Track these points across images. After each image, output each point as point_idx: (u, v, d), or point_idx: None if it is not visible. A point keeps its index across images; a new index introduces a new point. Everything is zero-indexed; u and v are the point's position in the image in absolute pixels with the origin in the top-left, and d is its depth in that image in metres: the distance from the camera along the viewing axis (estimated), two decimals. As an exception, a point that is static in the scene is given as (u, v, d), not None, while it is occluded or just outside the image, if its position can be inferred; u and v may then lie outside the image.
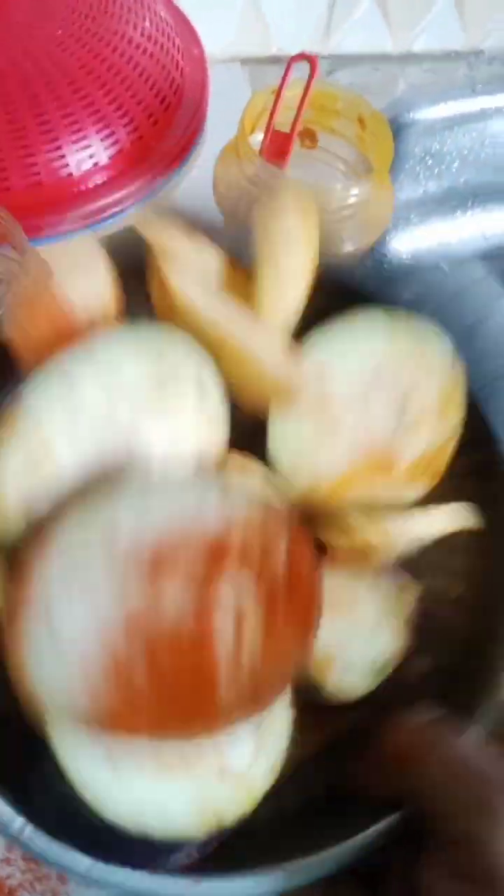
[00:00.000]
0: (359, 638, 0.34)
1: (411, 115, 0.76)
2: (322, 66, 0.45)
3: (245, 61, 0.72)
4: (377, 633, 0.34)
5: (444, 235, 0.86)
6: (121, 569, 0.27)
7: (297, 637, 0.28)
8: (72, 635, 0.27)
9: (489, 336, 0.71)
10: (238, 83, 0.71)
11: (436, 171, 0.82)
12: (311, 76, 0.45)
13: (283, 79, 0.45)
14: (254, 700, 0.28)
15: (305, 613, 0.28)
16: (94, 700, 0.27)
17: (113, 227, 0.49)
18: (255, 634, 0.27)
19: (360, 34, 0.72)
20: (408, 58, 0.76)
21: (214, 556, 0.27)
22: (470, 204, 0.87)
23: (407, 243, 0.84)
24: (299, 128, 0.45)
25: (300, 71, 0.45)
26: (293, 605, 0.28)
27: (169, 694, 0.27)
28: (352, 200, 0.44)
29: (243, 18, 0.69)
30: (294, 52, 0.73)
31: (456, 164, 0.82)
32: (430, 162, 0.80)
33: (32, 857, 0.40)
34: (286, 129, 0.46)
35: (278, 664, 0.28)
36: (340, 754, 0.32)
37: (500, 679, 0.34)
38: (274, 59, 0.73)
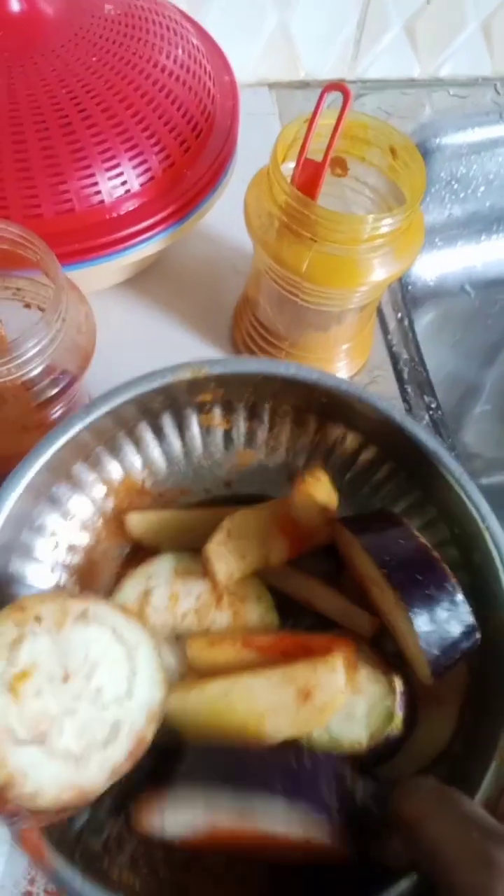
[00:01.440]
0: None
1: (438, 140, 0.76)
2: (332, 100, 0.45)
3: (273, 85, 0.73)
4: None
5: (468, 259, 0.86)
6: None
7: None
8: None
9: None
10: (265, 107, 0.72)
11: (461, 195, 0.82)
12: (343, 106, 0.44)
13: (316, 108, 0.45)
14: None
15: None
16: None
17: (143, 252, 0.49)
18: None
19: (387, 59, 0.73)
20: (434, 83, 0.76)
21: None
22: (495, 228, 0.86)
23: (432, 267, 0.84)
24: (331, 157, 0.45)
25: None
26: None
27: None
28: (384, 230, 0.44)
29: (271, 43, 0.70)
30: (322, 76, 0.74)
31: (482, 189, 0.82)
32: (455, 186, 0.80)
33: (55, 891, 0.40)
34: (317, 158, 0.46)
35: None
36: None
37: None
38: (302, 84, 0.73)
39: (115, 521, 0.42)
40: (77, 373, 0.42)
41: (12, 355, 0.37)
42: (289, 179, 0.45)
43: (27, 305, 0.47)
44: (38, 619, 0.31)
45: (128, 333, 0.58)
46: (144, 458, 0.43)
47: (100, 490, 0.42)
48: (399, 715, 0.36)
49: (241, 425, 0.45)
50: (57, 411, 0.43)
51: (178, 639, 0.38)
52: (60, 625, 0.31)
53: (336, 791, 0.31)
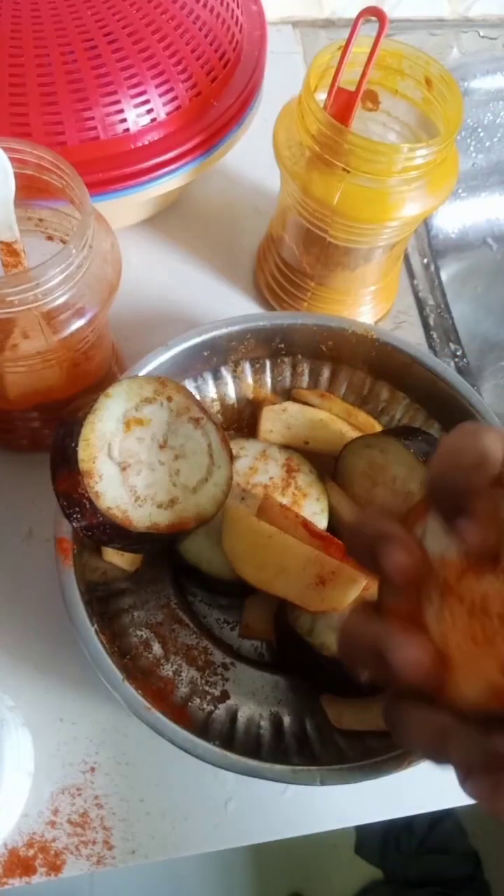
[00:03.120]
0: None
1: (465, 83, 0.74)
2: (368, 29, 0.43)
3: (297, 23, 0.70)
4: None
5: (492, 211, 0.84)
6: None
7: None
8: None
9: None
10: (289, 45, 0.70)
11: (486, 143, 0.80)
12: (379, 32, 0.43)
13: (351, 34, 0.43)
14: None
15: None
16: None
17: (167, 185, 0.48)
18: None
19: (416, -2, 0.70)
20: (464, 23, 0.73)
21: None
22: (520, 179, 0.84)
23: (454, 218, 0.82)
24: (365, 86, 0.43)
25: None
26: None
27: None
28: (419, 162, 0.42)
29: (297, -22, 0.67)
30: (348, 15, 0.72)
31: (508, 137, 0.79)
32: (481, 134, 0.78)
33: (78, 821, 0.40)
34: (350, 88, 0.44)
35: None
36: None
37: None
38: (327, 23, 0.71)
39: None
40: (102, 305, 0.41)
41: (36, 281, 0.36)
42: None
43: (49, 238, 0.45)
44: (169, 398, 0.39)
45: (148, 274, 0.57)
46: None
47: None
48: None
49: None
50: (82, 346, 0.42)
51: (243, 500, 0.45)
52: (179, 415, 0.40)
53: None
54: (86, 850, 0.40)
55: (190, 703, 0.40)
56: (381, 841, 1.24)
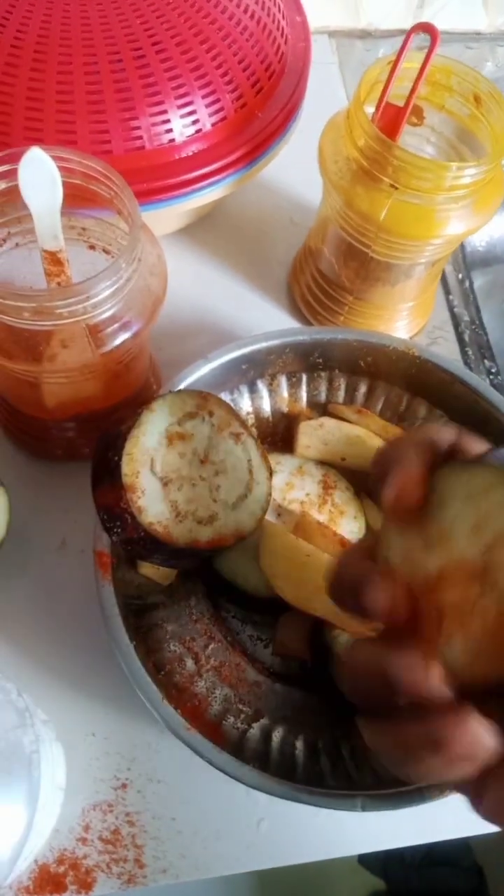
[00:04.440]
0: None
1: (500, 97, 0.73)
2: (413, 43, 0.43)
3: (333, 33, 0.70)
4: None
5: (520, 225, 0.84)
6: None
7: None
8: None
9: None
10: (325, 56, 0.69)
11: (517, 157, 0.79)
12: (430, 48, 0.42)
13: (402, 49, 0.43)
14: None
15: None
16: None
17: (209, 196, 0.47)
18: None
19: (454, 10, 0.70)
20: (501, 37, 0.73)
21: None
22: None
23: (482, 231, 0.82)
24: (415, 101, 0.43)
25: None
26: None
27: None
28: (466, 180, 0.42)
29: (335, -12, 0.67)
30: (385, 26, 0.71)
31: (540, 152, 0.79)
32: (513, 147, 0.78)
33: (109, 839, 0.39)
34: (398, 103, 0.44)
35: None
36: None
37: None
38: (363, 34, 0.71)
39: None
40: (147, 318, 0.40)
41: (86, 294, 0.36)
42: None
43: (91, 247, 0.45)
44: (211, 413, 0.39)
45: (182, 283, 0.56)
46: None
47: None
48: None
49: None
50: (125, 359, 0.42)
51: (279, 516, 0.45)
52: (220, 430, 0.39)
53: None
54: (117, 868, 0.39)
55: (224, 722, 0.40)
56: (386, 852, 1.23)
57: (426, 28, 0.43)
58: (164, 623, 0.43)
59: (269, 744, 0.40)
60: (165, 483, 0.37)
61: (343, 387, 0.49)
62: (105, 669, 0.43)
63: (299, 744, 0.40)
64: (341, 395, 0.50)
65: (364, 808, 0.35)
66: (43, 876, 0.39)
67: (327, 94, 0.66)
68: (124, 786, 0.41)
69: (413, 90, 0.43)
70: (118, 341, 0.39)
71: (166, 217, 0.48)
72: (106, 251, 0.45)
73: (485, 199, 0.45)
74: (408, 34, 0.43)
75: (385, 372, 0.48)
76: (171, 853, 0.40)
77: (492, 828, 0.38)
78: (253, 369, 0.47)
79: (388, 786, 0.37)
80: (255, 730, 0.40)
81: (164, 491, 0.37)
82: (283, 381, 0.49)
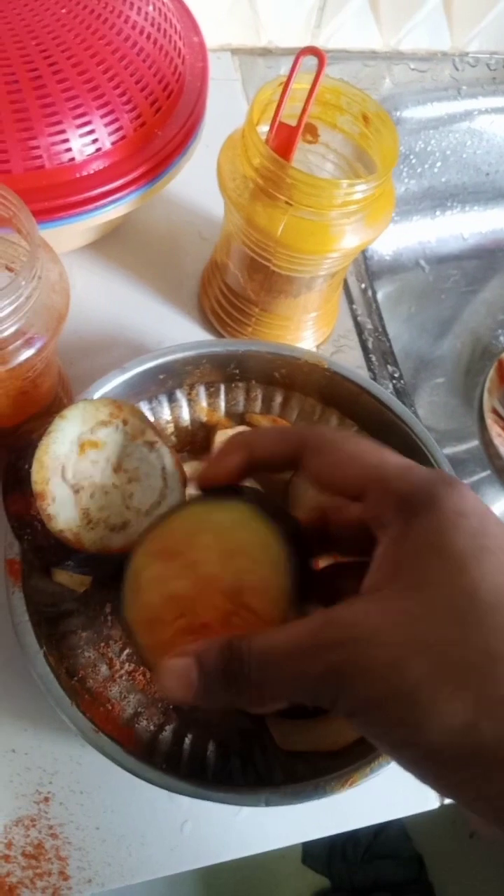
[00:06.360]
0: None
1: (398, 113, 0.77)
2: (305, 65, 0.45)
3: (236, 51, 0.72)
4: None
5: (423, 234, 0.88)
6: None
7: None
8: None
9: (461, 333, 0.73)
10: (228, 72, 0.71)
11: (418, 170, 0.83)
12: (318, 70, 0.44)
13: (292, 71, 0.45)
14: None
15: None
16: None
17: (112, 213, 0.48)
18: None
19: (350, 30, 0.73)
20: (395, 56, 0.76)
21: None
22: (449, 204, 0.88)
23: (388, 241, 0.85)
24: (306, 121, 0.45)
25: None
26: None
27: None
28: (358, 196, 0.44)
29: (235, 8, 0.69)
30: (285, 44, 0.74)
31: (438, 165, 0.83)
32: (413, 161, 0.81)
33: (32, 854, 0.40)
34: (290, 122, 0.46)
35: None
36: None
37: None
38: (264, 51, 0.73)
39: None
40: (51, 334, 0.41)
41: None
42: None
43: (-6, 265, 0.45)
44: (125, 421, 0.40)
45: (92, 298, 0.57)
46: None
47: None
48: None
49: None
50: (30, 375, 0.42)
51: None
52: (134, 438, 0.40)
53: None
54: (41, 882, 0.40)
55: (137, 725, 0.41)
56: (328, 850, 1.26)
57: (314, 52, 0.45)
58: (79, 630, 0.43)
59: (181, 746, 0.41)
60: (77, 490, 0.38)
61: (260, 397, 0.51)
62: (23, 685, 0.43)
63: (210, 745, 0.41)
64: (258, 405, 0.51)
65: (268, 804, 0.36)
66: (-35, 896, 0.39)
67: (231, 110, 0.68)
68: (46, 799, 0.41)
69: (304, 111, 0.45)
70: (22, 358, 0.39)
71: (70, 234, 0.48)
72: (9, 269, 0.45)
73: (376, 212, 0.47)
74: (297, 57, 0.45)
75: (299, 383, 0.50)
76: (96, 862, 0.41)
77: (396, 814, 0.40)
78: (171, 379, 0.48)
79: (295, 782, 0.38)
80: (167, 733, 0.41)
81: (75, 498, 0.38)
82: (201, 391, 0.50)
